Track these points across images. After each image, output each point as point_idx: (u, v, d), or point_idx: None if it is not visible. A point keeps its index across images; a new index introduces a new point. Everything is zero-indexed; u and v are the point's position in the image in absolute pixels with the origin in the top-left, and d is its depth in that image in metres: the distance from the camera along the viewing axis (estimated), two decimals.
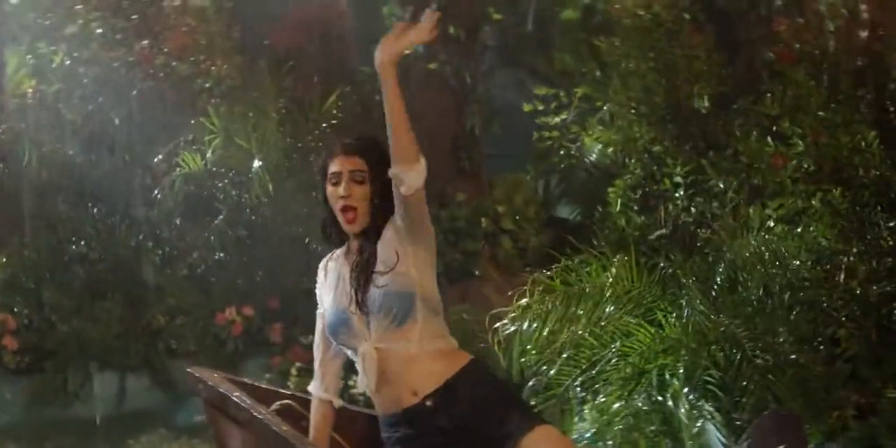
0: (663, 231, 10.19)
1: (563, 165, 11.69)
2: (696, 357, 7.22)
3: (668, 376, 7.20)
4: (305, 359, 9.56)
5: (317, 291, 4.62)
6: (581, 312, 7.69)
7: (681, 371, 7.11)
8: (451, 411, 4.32)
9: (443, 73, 11.57)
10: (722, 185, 9.98)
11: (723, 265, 7.71)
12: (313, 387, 4.69)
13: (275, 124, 10.01)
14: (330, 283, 4.51)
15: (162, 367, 10.15)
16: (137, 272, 10.31)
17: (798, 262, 7.73)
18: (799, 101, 8.56)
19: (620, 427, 7.18)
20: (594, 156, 11.94)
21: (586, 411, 7.45)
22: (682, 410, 6.92)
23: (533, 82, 12.29)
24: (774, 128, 8.99)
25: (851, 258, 8.04)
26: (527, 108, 11.33)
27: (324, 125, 10.33)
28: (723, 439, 6.83)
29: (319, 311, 4.59)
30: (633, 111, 10.24)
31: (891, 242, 8.21)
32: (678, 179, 10.08)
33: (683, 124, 10.13)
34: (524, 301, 7.94)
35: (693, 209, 10.10)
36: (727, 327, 7.22)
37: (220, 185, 9.99)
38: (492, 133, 12.18)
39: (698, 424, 6.93)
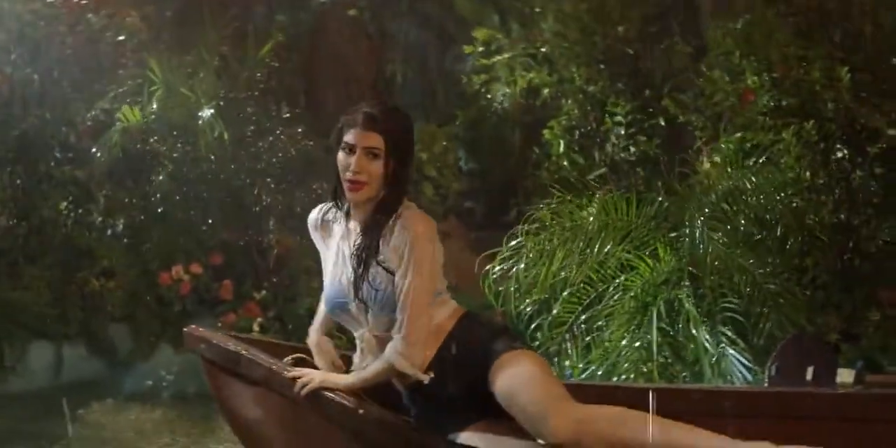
0: (603, 170, 10.24)
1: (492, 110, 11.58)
2: (700, 286, 7.29)
3: (681, 305, 7.21)
4: (262, 314, 9.32)
5: (315, 241, 4.49)
6: (577, 249, 7.67)
7: (691, 300, 7.14)
8: (453, 371, 4.26)
9: (362, 19, 11.29)
10: (663, 123, 10.12)
11: (714, 197, 7.72)
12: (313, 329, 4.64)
13: (213, 75, 9.63)
14: (329, 251, 4.41)
15: (101, 334, 9.67)
16: (68, 235, 9.77)
17: (783, 195, 7.79)
18: (754, 36, 8.58)
19: (632, 360, 7.18)
20: (504, 100, 11.95)
21: (593, 348, 7.43)
22: (705, 337, 6.94)
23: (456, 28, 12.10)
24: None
25: (819, 190, 8.19)
26: (467, 49, 11.14)
27: (258, 75, 10.00)
28: (747, 363, 6.86)
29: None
30: (564, 51, 10.22)
31: (855, 173, 8.42)
32: (619, 118, 10.12)
33: (618, 64, 10.18)
34: (514, 242, 7.85)
35: (633, 148, 10.17)
36: (727, 255, 7.26)
37: (158, 139, 9.53)
38: (411, 80, 11.99)
39: (717, 351, 6.98)
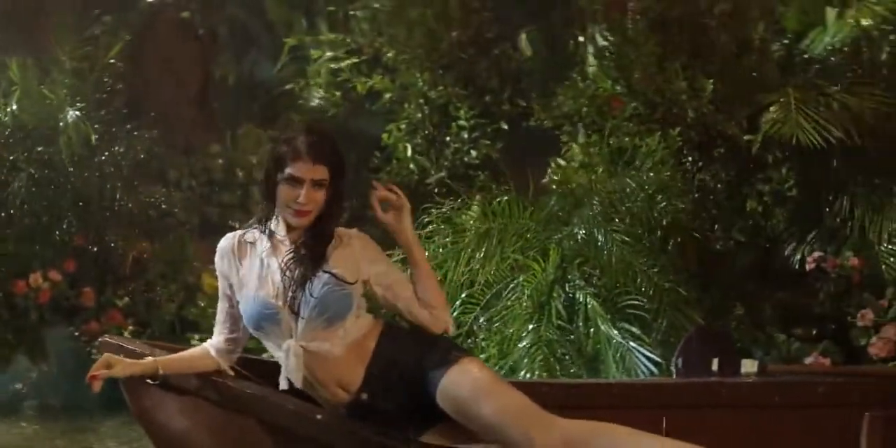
0: (442, 174, 10.49)
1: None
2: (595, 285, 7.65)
3: (579, 303, 7.54)
4: (124, 322, 9.15)
5: (222, 271, 4.43)
6: (468, 254, 7.89)
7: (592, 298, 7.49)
8: (385, 389, 4.29)
9: (193, 21, 11.14)
10: (506, 126, 10.45)
11: (596, 199, 8.08)
12: (211, 344, 4.54)
13: (71, 76, 9.35)
14: (251, 269, 4.36)
15: None
16: None
17: (660, 197, 8.22)
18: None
19: (533, 357, 7.45)
20: (315, 102, 12.00)
21: (493, 347, 7.67)
22: (614, 333, 7.29)
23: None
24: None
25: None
26: (315, 54, 11.14)
27: (106, 79, 9.77)
28: (654, 358, 7.24)
29: (224, 292, 4.45)
30: (407, 57, 10.41)
31: (707, 177, 8.97)
32: (462, 123, 10.38)
33: (460, 68, 10.43)
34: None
35: (474, 152, 10.46)
36: (628, 254, 7.65)
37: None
38: (241, 83, 11.90)
39: (622, 346, 7.34)
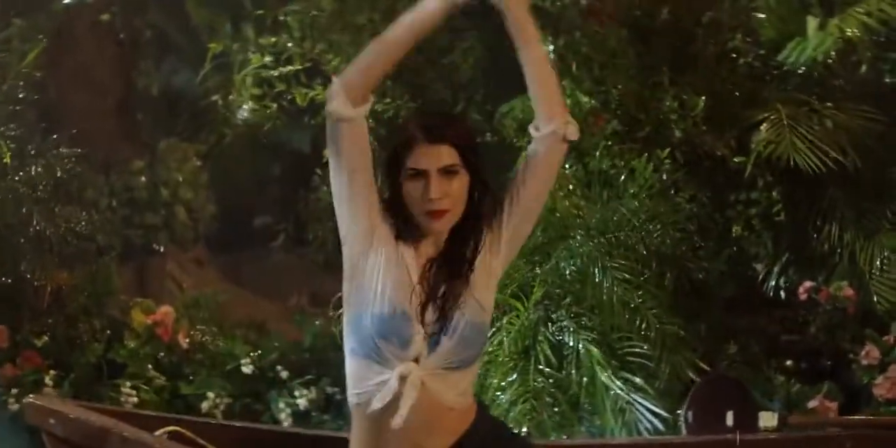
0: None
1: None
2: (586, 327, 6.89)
3: (569, 348, 6.78)
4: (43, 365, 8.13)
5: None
6: None
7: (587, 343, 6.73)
8: None
9: (113, 24, 10.18)
10: None
11: (581, 230, 7.29)
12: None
13: None
14: (389, 262, 3.51)
15: None
16: None
17: (651, 227, 7.45)
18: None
19: (521, 409, 6.70)
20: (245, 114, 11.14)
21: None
22: (618, 385, 6.54)
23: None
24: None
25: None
26: (255, 60, 10.24)
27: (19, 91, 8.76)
28: (657, 410, 6.53)
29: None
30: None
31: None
32: None
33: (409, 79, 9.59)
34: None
35: None
36: (626, 293, 6.87)
37: None
38: (168, 94, 10.99)
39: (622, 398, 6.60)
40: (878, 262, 8.31)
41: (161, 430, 4.11)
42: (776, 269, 8.46)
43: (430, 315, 3.46)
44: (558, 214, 7.25)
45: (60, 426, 3.93)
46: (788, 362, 8.03)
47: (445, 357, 3.46)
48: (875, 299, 8.23)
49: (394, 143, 3.56)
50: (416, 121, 3.61)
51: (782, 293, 8.41)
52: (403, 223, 3.52)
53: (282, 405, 7.81)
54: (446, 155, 3.47)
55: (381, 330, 3.45)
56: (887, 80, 8.83)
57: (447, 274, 3.49)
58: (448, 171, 3.47)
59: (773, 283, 8.41)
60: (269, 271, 11.01)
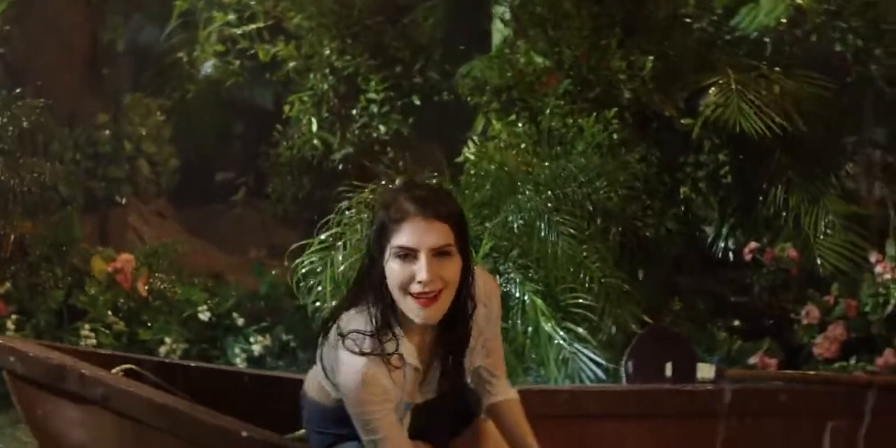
0: (348, 150, 9.83)
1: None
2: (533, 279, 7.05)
3: (521, 299, 6.95)
4: (5, 310, 8.28)
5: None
6: None
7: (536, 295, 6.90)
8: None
9: None
10: (418, 102, 9.79)
11: (531, 185, 7.45)
12: None
13: None
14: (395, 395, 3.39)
15: None
16: None
17: (598, 183, 7.61)
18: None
19: None
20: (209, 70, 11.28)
21: None
22: (561, 335, 6.71)
23: None
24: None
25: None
26: (219, 18, 10.36)
27: None
28: (599, 360, 6.70)
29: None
30: (313, 24, 9.69)
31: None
32: (372, 95, 9.69)
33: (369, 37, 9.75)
34: (325, 235, 7.26)
35: (383, 127, 9.79)
36: (571, 247, 7.05)
37: None
38: (134, 49, 11.10)
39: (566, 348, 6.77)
40: (821, 226, 8.47)
41: (117, 368, 4.30)
42: (723, 231, 8.65)
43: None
44: (507, 170, 7.44)
45: (20, 364, 4.05)
46: (736, 322, 8.22)
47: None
48: (818, 262, 8.40)
49: (381, 218, 3.30)
50: (410, 192, 3.31)
51: (729, 254, 8.60)
52: (384, 313, 3.31)
53: (237, 351, 8.00)
54: (442, 234, 3.24)
55: None
56: (837, 48, 8.96)
57: (453, 358, 3.47)
58: (441, 253, 3.24)
59: (721, 244, 8.60)
60: (229, 224, 11.16)
